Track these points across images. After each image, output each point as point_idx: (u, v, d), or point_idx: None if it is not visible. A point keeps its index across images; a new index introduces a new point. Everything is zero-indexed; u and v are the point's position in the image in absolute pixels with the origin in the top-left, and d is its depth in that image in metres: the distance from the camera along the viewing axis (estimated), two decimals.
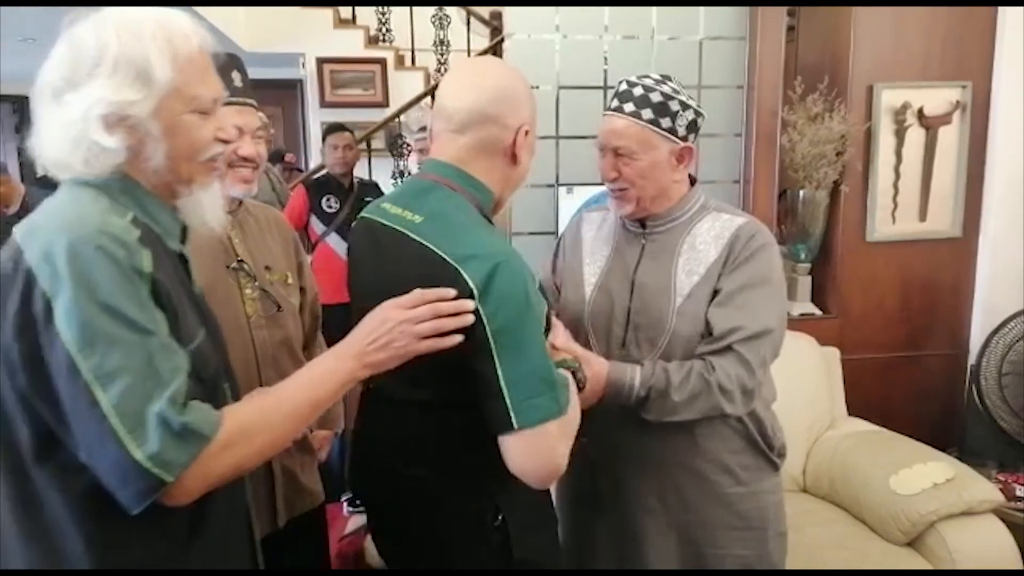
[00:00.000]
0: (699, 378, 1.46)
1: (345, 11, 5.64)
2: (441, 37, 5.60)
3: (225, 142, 1.11)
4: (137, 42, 1.02)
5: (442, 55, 5.62)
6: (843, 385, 2.84)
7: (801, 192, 2.98)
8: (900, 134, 2.97)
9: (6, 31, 5.38)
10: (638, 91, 1.52)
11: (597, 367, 1.48)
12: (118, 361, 0.92)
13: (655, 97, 1.51)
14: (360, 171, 4.30)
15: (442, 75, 5.53)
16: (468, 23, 5.44)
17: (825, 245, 3.06)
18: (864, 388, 2.97)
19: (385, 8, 5.54)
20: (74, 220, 0.98)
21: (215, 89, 1.08)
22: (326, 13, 5.49)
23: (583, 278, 1.67)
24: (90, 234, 0.95)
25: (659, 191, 1.56)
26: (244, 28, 5.38)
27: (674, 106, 1.52)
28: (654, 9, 2.85)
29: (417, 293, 1.14)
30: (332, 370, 1.12)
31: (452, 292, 1.13)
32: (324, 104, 5.55)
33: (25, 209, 3.99)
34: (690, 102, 1.55)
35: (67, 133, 1.01)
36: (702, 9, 2.86)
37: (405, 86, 5.50)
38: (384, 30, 5.66)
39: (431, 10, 5.55)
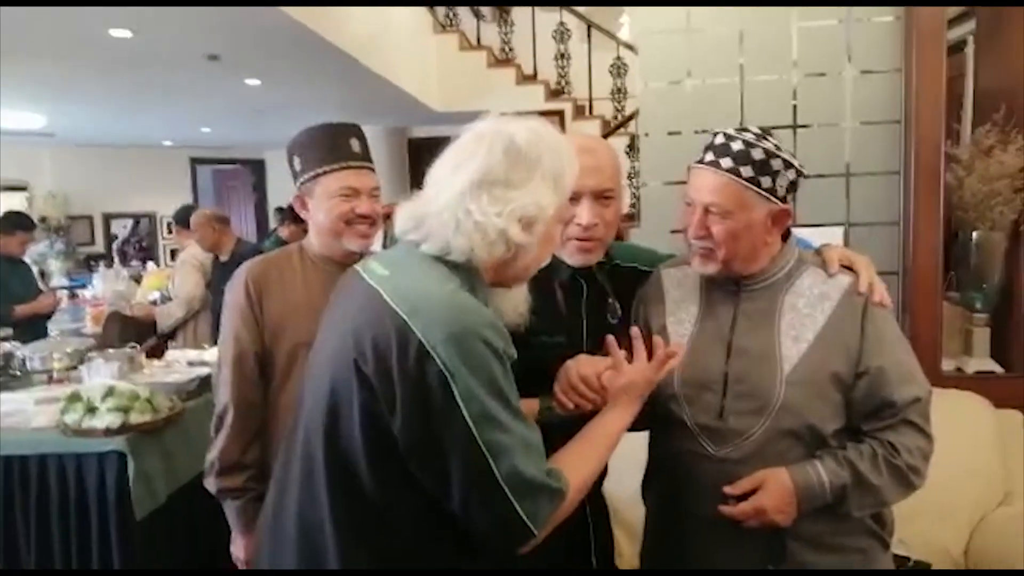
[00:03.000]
0: (889, 466, 1.39)
1: (527, 67, 5.93)
2: (619, 85, 5.69)
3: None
4: (560, 158, 1.20)
5: (619, 102, 5.70)
6: None
7: (974, 234, 2.67)
8: None
9: (241, 108, 6.29)
10: (737, 145, 1.40)
11: (777, 481, 1.39)
12: (507, 439, 1.08)
13: (756, 154, 1.39)
14: None
15: (619, 120, 5.62)
16: None
17: (1006, 293, 2.69)
18: None
19: (564, 62, 5.74)
20: (459, 309, 1.09)
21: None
22: (509, 71, 5.80)
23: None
24: (477, 327, 1.08)
25: (749, 254, 1.45)
26: (436, 92, 5.85)
27: (776, 164, 1.39)
28: (795, 44, 2.73)
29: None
30: (621, 424, 1.31)
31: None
32: None
33: (237, 257, 4.37)
34: (792, 160, 1.42)
35: (487, 220, 1.14)
36: (846, 41, 2.69)
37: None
38: (564, 83, 5.86)
39: (609, 60, 5.68)
